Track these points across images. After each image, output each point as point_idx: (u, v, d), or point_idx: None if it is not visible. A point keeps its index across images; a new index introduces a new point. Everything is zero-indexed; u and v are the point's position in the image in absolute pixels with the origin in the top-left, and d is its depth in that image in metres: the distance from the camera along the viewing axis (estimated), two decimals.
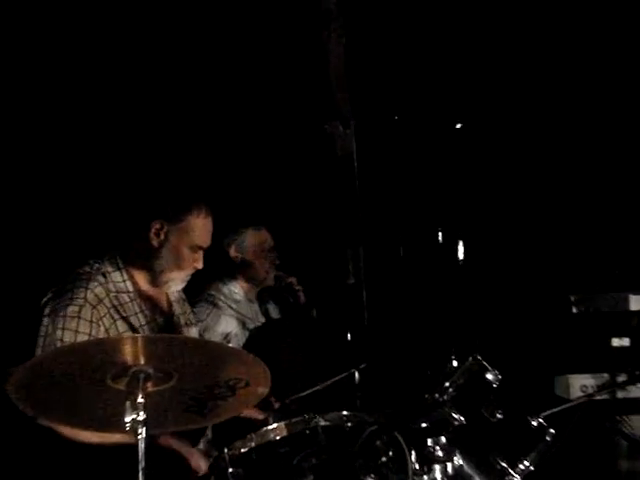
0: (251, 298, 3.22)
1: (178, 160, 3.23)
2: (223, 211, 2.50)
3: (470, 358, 1.90)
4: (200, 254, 2.35)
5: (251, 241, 3.15)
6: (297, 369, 2.75)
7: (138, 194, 2.36)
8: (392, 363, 3.04)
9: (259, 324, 3.13)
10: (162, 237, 2.28)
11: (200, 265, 2.35)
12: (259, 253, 3.15)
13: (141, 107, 3.26)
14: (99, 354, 1.57)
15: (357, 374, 2.61)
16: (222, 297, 3.07)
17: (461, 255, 3.23)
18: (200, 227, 2.32)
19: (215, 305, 3.02)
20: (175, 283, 2.34)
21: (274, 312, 3.32)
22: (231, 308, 3.06)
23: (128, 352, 1.59)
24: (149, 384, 1.62)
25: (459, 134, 3.31)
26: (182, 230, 2.28)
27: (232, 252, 3.16)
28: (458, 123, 3.28)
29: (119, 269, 2.29)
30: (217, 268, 3.03)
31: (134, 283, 2.31)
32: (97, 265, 2.27)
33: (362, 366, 2.61)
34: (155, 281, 2.33)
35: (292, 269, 3.31)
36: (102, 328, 2.18)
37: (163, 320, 2.37)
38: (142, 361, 1.60)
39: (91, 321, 2.16)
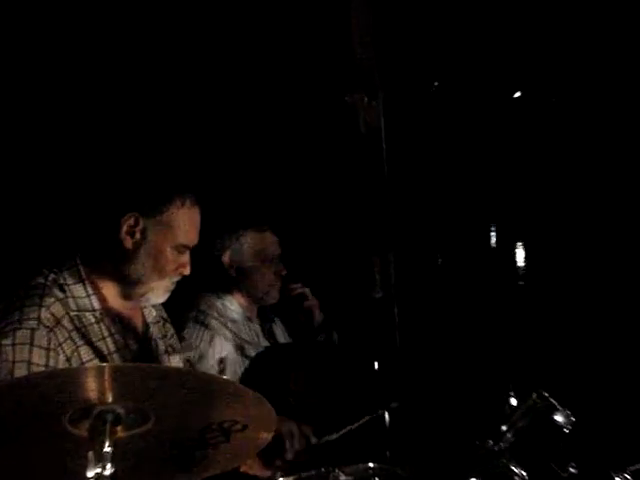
0: (251, 316, 3.21)
1: (155, 138, 3.24)
2: (214, 205, 2.48)
3: (533, 395, 1.89)
4: (186, 255, 2.34)
5: (252, 246, 3.14)
6: (310, 408, 2.77)
7: (104, 181, 2.35)
8: (431, 401, 3.04)
9: (261, 349, 3.13)
10: (137, 236, 2.27)
11: (187, 270, 2.34)
12: (261, 262, 3.14)
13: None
14: (54, 390, 1.54)
15: (387, 415, 2.60)
16: (215, 314, 3.06)
17: (521, 262, 3.22)
18: (185, 220, 2.31)
19: (207, 326, 3.01)
20: (156, 295, 2.34)
21: (281, 334, 3.32)
22: (226, 328, 3.05)
23: (92, 387, 1.56)
24: (119, 428, 1.60)
25: (518, 106, 3.29)
26: (163, 225, 2.28)
27: (226, 260, 3.14)
28: (517, 91, 3.26)
29: (82, 280, 2.28)
30: (205, 277, 3.02)
31: (101, 299, 2.30)
32: (53, 275, 2.27)
33: (393, 405, 2.62)
34: (129, 294, 2.32)
35: (304, 281, 3.31)
36: (62, 357, 2.17)
37: (138, 346, 2.37)
38: (110, 398, 1.57)
39: (48, 348, 2.15)
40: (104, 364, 2.08)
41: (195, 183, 2.35)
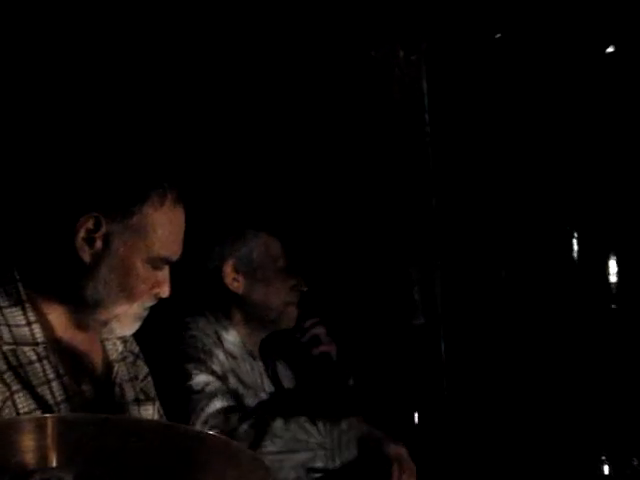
0: (252, 351, 3.20)
1: (124, 117, 3.27)
2: (204, 204, 2.52)
3: None
4: (165, 272, 2.32)
5: (265, 251, 3.14)
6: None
7: (54, 170, 2.30)
8: (492, 464, 3.03)
9: (263, 397, 3.13)
10: (98, 244, 2.24)
11: (166, 291, 2.32)
12: (277, 271, 3.13)
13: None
14: None
15: None
16: (212, 342, 3.05)
17: (613, 279, 3.17)
18: (164, 225, 2.28)
19: (198, 360, 3.00)
20: (122, 324, 2.32)
21: (286, 377, 3.32)
22: (219, 365, 3.03)
23: (29, 446, 1.51)
24: None
25: (608, 63, 3.25)
26: (133, 231, 2.25)
27: (229, 270, 3.13)
28: (609, 45, 3.22)
29: (20, 303, 2.25)
30: (187, 298, 3.00)
31: (46, 328, 2.27)
32: None
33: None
34: (85, 323, 2.31)
35: (318, 304, 3.31)
36: None
37: (95, 392, 2.34)
38: (53, 461, 1.52)
39: None
40: (45, 415, 2.03)
41: (178, 174, 2.32)
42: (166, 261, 2.30)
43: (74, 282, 2.25)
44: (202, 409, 2.90)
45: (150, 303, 2.31)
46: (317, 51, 3.49)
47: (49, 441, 1.50)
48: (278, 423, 2.93)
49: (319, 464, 2.93)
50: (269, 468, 1.59)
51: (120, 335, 2.37)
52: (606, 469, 1.98)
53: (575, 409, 3.16)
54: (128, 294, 2.27)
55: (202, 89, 3.54)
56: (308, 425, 2.91)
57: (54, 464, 1.52)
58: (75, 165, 2.27)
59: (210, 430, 2.86)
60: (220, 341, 3.08)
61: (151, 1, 3.47)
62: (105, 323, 2.29)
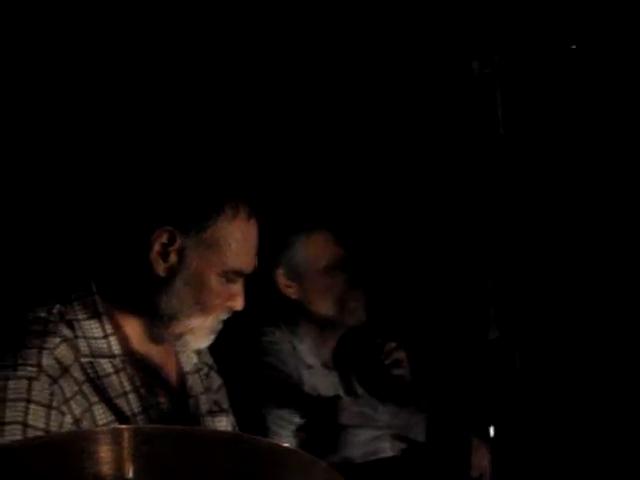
0: (327, 361, 3.19)
1: (196, 131, 3.29)
2: (273, 215, 2.55)
3: None
4: (239, 285, 2.32)
5: (308, 252, 3.14)
6: None
7: (129, 185, 2.33)
8: (568, 476, 2.98)
9: (344, 411, 3.08)
10: (173, 258, 2.26)
11: (240, 303, 2.33)
12: (325, 268, 3.12)
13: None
14: (52, 461, 1.49)
15: None
16: (291, 358, 3.07)
17: None
18: (238, 238, 2.29)
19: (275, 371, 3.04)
20: (197, 337, 2.33)
21: (361, 390, 3.30)
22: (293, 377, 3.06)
23: (105, 457, 1.51)
24: None
25: None
26: (208, 244, 2.26)
27: (281, 278, 3.14)
28: None
29: (98, 315, 2.28)
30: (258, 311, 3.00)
31: (123, 339, 2.30)
32: (60, 307, 2.26)
33: None
34: (160, 336, 2.32)
35: (393, 317, 3.34)
36: (68, 418, 2.16)
37: (170, 404, 2.35)
38: (130, 473, 1.52)
39: (49, 406, 2.13)
40: (122, 426, 2.02)
41: (250, 187, 2.34)
42: (240, 274, 2.30)
43: (149, 296, 2.28)
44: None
45: (224, 316, 2.33)
46: (392, 63, 3.48)
47: (125, 453, 1.51)
48: (348, 398, 2.94)
49: (385, 444, 2.92)
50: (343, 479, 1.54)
51: (194, 348, 2.39)
52: None
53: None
54: (202, 307, 2.28)
55: (262, 101, 3.55)
56: (376, 403, 2.91)
57: (130, 476, 1.52)
58: (150, 180, 2.30)
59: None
60: (295, 351, 3.08)
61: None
62: (180, 336, 2.31)
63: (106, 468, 1.51)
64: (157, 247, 2.25)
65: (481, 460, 2.99)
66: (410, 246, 3.62)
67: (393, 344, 3.19)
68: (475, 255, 3.13)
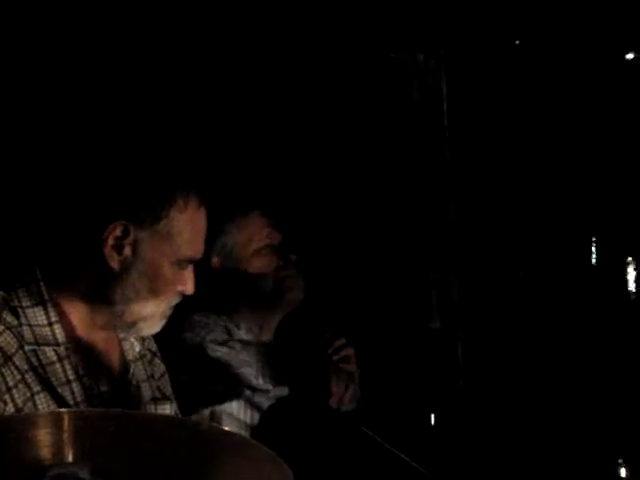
0: (270, 341, 3.19)
1: (146, 121, 3.25)
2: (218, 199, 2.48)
3: None
4: (189, 270, 2.31)
5: (238, 234, 3.13)
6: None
7: (80, 180, 2.29)
8: (507, 466, 3.01)
9: (274, 401, 3.08)
10: (127, 251, 2.23)
11: (191, 288, 2.31)
12: (255, 251, 3.12)
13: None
14: None
15: None
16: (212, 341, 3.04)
17: (631, 286, 3.16)
18: (189, 227, 2.28)
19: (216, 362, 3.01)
20: (149, 325, 2.32)
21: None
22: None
23: (45, 441, 1.50)
24: None
25: (629, 69, 3.26)
26: (161, 235, 2.24)
27: (216, 262, 3.14)
28: (629, 52, 3.22)
29: (42, 303, 2.24)
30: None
31: (67, 327, 2.26)
32: (2, 294, 2.22)
33: None
34: (107, 324, 2.29)
35: (329, 305, 3.30)
36: (10, 407, 2.12)
37: (113, 393, 2.32)
38: (70, 457, 1.50)
39: None
40: (62, 409, 1.98)
41: (199, 174, 2.33)
42: (191, 260, 2.30)
43: (102, 287, 2.24)
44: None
45: (175, 301, 2.31)
46: (336, 53, 3.48)
47: (65, 436, 1.49)
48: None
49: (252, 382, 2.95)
50: (288, 469, 1.56)
51: (147, 334, 2.37)
52: (623, 472, 1.94)
53: (591, 411, 3.12)
54: (156, 295, 2.26)
55: (212, 90, 3.55)
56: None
57: (70, 459, 1.51)
58: (102, 174, 2.26)
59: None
60: (231, 336, 3.08)
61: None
62: (132, 324, 2.28)
63: (45, 452, 1.50)
64: (111, 241, 2.22)
65: (339, 388, 2.97)
66: (354, 236, 3.62)
67: (343, 340, 3.17)
68: (418, 245, 3.15)
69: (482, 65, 3.31)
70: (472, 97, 3.25)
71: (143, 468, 1.53)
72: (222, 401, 2.99)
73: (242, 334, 3.10)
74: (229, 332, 3.08)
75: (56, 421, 1.50)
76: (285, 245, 3.14)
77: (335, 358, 3.14)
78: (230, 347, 3.04)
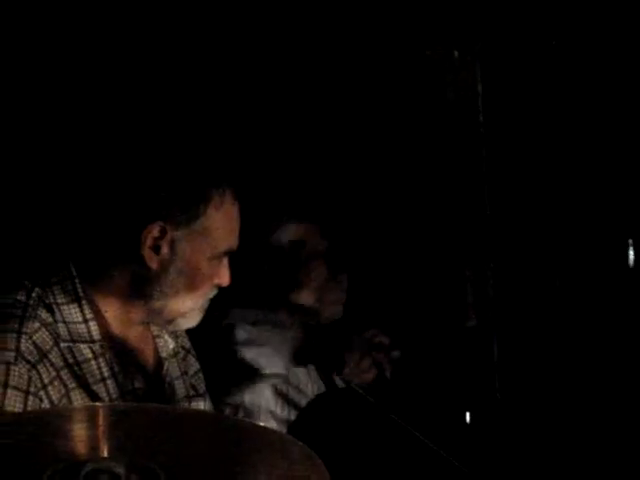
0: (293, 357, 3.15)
1: (176, 119, 3.22)
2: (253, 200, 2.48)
3: None
4: (225, 262, 2.32)
5: (290, 239, 3.13)
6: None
7: (117, 181, 2.29)
8: (544, 465, 2.97)
9: (312, 398, 3.09)
10: (165, 251, 2.24)
11: (227, 280, 2.33)
12: (306, 257, 3.11)
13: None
14: (26, 440, 1.47)
15: None
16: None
17: None
18: (225, 223, 2.29)
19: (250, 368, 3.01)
20: (187, 319, 2.34)
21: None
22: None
23: (81, 435, 1.50)
24: None
25: None
26: (198, 233, 2.26)
27: (262, 262, 3.12)
28: None
29: (77, 300, 2.24)
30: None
31: (102, 324, 2.27)
32: (38, 291, 2.22)
33: None
34: (141, 319, 2.30)
35: (371, 306, 3.28)
36: (46, 403, 2.13)
37: (147, 390, 2.34)
38: (104, 452, 1.49)
39: (26, 391, 2.10)
40: (97, 404, 2.02)
41: (233, 170, 2.34)
42: (228, 253, 2.31)
43: (138, 285, 2.25)
44: None
45: (212, 294, 2.32)
46: (372, 50, 3.47)
47: (100, 431, 1.50)
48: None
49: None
50: (324, 467, 1.54)
51: (186, 328, 2.38)
52: None
53: (630, 411, 3.09)
54: (194, 291, 2.27)
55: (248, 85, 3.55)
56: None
57: (105, 454, 1.50)
58: (138, 174, 2.27)
59: None
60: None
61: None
62: (171, 320, 2.30)
63: (81, 447, 1.50)
64: (149, 241, 2.22)
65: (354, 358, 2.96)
66: (389, 235, 3.62)
67: (373, 331, 3.16)
68: (454, 243, 3.14)
69: (518, 62, 3.30)
70: (508, 94, 3.23)
71: (178, 463, 1.52)
72: (255, 395, 2.99)
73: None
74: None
75: (91, 415, 1.51)
76: (331, 255, 3.14)
77: (370, 343, 3.13)
78: (259, 328, 3.05)
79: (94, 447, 1.50)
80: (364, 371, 3.02)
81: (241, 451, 1.55)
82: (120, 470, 1.49)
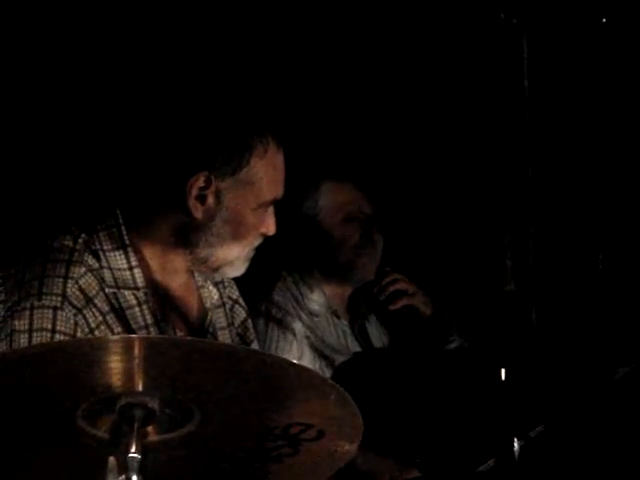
0: (337, 310, 3.15)
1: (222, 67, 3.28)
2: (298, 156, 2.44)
3: None
4: (270, 211, 2.31)
5: (330, 199, 3.10)
6: (414, 429, 2.81)
7: (163, 128, 2.29)
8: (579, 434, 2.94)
9: (349, 357, 3.10)
10: (210, 201, 2.24)
11: (273, 229, 2.32)
12: (344, 219, 3.09)
13: None
14: (61, 371, 1.46)
15: (517, 445, 2.46)
16: (291, 307, 3.02)
17: None
18: (270, 171, 2.28)
19: (278, 322, 2.99)
20: (234, 268, 2.33)
21: (377, 336, 3.26)
22: (304, 326, 3.02)
23: (116, 368, 1.48)
24: (150, 429, 1.55)
25: None
26: (243, 182, 2.25)
27: (300, 220, 3.11)
28: None
29: (123, 247, 2.25)
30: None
31: (147, 272, 2.27)
32: (85, 237, 2.23)
33: (536, 431, 2.54)
34: (186, 267, 2.31)
35: (411, 269, 3.24)
36: None
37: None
38: (139, 386, 1.49)
39: (74, 336, 2.11)
40: (133, 335, 2.02)
41: (275, 118, 2.32)
42: (273, 202, 2.29)
43: (184, 234, 2.25)
44: None
45: (258, 243, 2.31)
46: (416, 15, 3.44)
47: (135, 363, 1.48)
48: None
49: None
50: (356, 406, 1.55)
51: (232, 276, 2.38)
52: None
53: None
54: (240, 240, 2.27)
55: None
56: None
57: (140, 388, 1.50)
58: (184, 126, 2.27)
59: None
60: (298, 303, 3.05)
61: None
62: (217, 269, 2.30)
63: (115, 379, 1.49)
64: (195, 192, 2.22)
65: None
66: (429, 199, 3.60)
67: (388, 278, 3.12)
68: (493, 208, 3.10)
69: (564, 25, 3.26)
70: (554, 57, 3.19)
71: (210, 399, 1.52)
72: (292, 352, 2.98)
73: (314, 297, 3.08)
74: (300, 293, 3.08)
75: (127, 347, 1.48)
76: (369, 218, 3.12)
77: (381, 298, 3.12)
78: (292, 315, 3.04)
79: (129, 380, 1.49)
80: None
81: (277, 389, 1.55)
82: (154, 405, 1.51)
